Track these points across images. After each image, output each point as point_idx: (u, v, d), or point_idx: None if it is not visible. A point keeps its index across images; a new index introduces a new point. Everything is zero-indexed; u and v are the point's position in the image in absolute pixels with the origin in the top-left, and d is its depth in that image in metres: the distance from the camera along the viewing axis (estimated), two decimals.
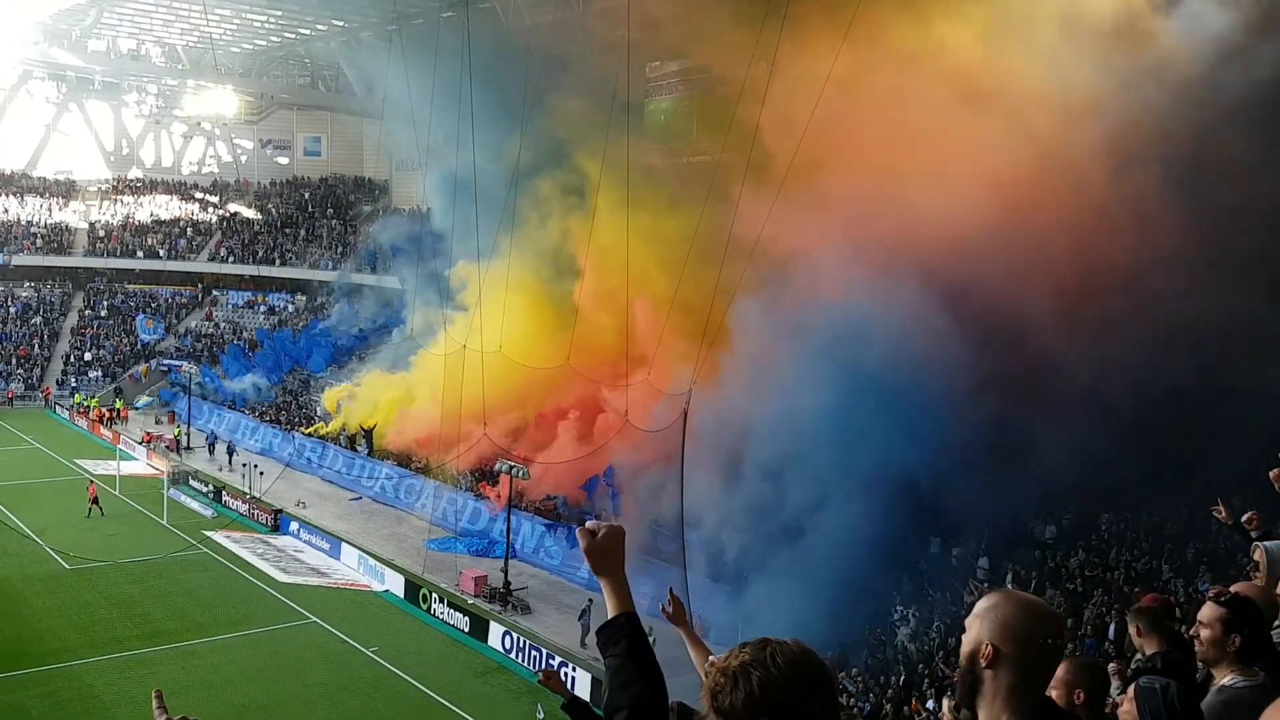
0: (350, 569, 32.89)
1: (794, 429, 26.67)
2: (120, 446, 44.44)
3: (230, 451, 45.32)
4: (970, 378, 24.05)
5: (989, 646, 2.24)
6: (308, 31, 59.28)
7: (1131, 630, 4.90)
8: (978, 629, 2.28)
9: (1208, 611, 3.72)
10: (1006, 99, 25.21)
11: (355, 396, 46.46)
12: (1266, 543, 5.08)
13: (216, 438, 47.79)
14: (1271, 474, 4.96)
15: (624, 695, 2.35)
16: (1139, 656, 4.71)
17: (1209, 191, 22.27)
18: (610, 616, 2.52)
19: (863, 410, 25.07)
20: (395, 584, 31.12)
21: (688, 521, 27.68)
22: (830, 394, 25.86)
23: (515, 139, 36.26)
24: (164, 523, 36.35)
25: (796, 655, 2.04)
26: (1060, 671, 3.79)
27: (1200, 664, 3.83)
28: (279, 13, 55.12)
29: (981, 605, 2.32)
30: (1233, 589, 4.15)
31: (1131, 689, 3.90)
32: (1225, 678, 3.62)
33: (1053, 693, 3.71)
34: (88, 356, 60.65)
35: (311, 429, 47.02)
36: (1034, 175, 24.39)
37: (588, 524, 2.62)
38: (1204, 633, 3.69)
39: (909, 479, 24.44)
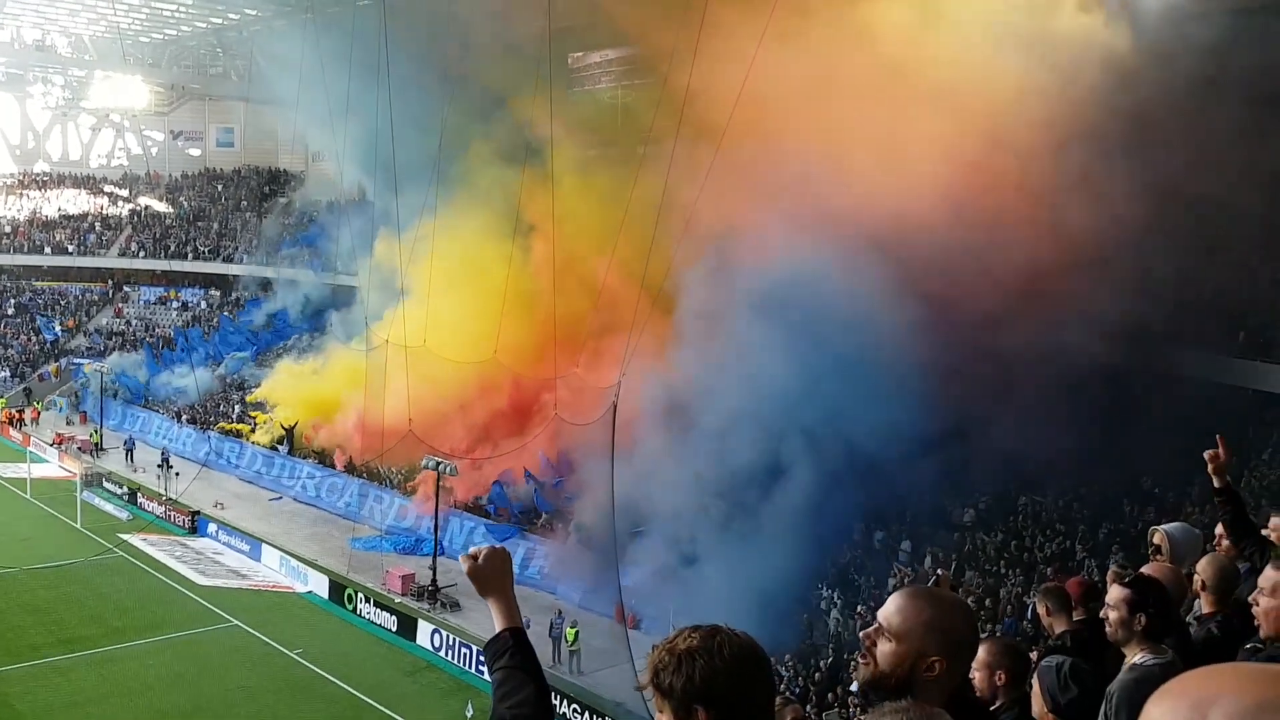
0: (272, 570, 32.28)
1: (732, 409, 26.79)
2: (30, 449, 43.10)
3: (165, 460, 41.05)
4: (904, 361, 24.39)
5: (939, 662, 2.26)
6: (219, 20, 57.95)
7: (1040, 610, 5.05)
8: (919, 642, 2.28)
9: (1113, 593, 3.85)
10: (938, 79, 25.55)
11: (318, 373, 45.24)
12: (1165, 526, 5.25)
13: (135, 442, 45.74)
14: (1206, 454, 5.11)
15: (506, 706, 2.39)
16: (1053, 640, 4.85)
17: (1150, 168, 22.71)
18: (496, 631, 2.54)
19: (802, 391, 25.32)
20: (319, 585, 30.62)
21: (628, 511, 27.70)
22: (772, 373, 26.07)
23: (436, 124, 35.85)
24: (78, 526, 35.31)
25: (743, 649, 2.06)
26: (982, 653, 3.88)
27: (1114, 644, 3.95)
28: (189, 1, 53.74)
29: (913, 615, 2.31)
30: (1142, 570, 4.29)
31: (1037, 673, 4.02)
32: (1135, 656, 3.75)
33: (975, 674, 3.81)
34: None
35: (231, 426, 45.91)
36: (970, 150, 24.69)
37: (470, 549, 2.64)
38: (1112, 614, 3.82)
39: (844, 461, 24.75)
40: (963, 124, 24.97)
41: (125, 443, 45.68)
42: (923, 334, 24.35)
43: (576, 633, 25.50)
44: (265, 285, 57.42)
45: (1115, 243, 23.15)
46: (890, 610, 2.35)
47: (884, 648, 2.33)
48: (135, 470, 42.76)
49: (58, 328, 60.41)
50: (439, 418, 36.42)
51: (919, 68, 25.91)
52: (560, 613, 26.30)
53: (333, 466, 40.02)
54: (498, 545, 2.71)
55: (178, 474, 39.88)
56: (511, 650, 2.46)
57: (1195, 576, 4.63)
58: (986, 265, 23.92)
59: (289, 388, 45.67)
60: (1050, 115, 24.12)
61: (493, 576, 2.61)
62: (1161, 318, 23.60)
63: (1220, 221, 23.39)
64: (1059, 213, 23.87)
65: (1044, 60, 24.67)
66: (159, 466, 40.87)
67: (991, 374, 24.11)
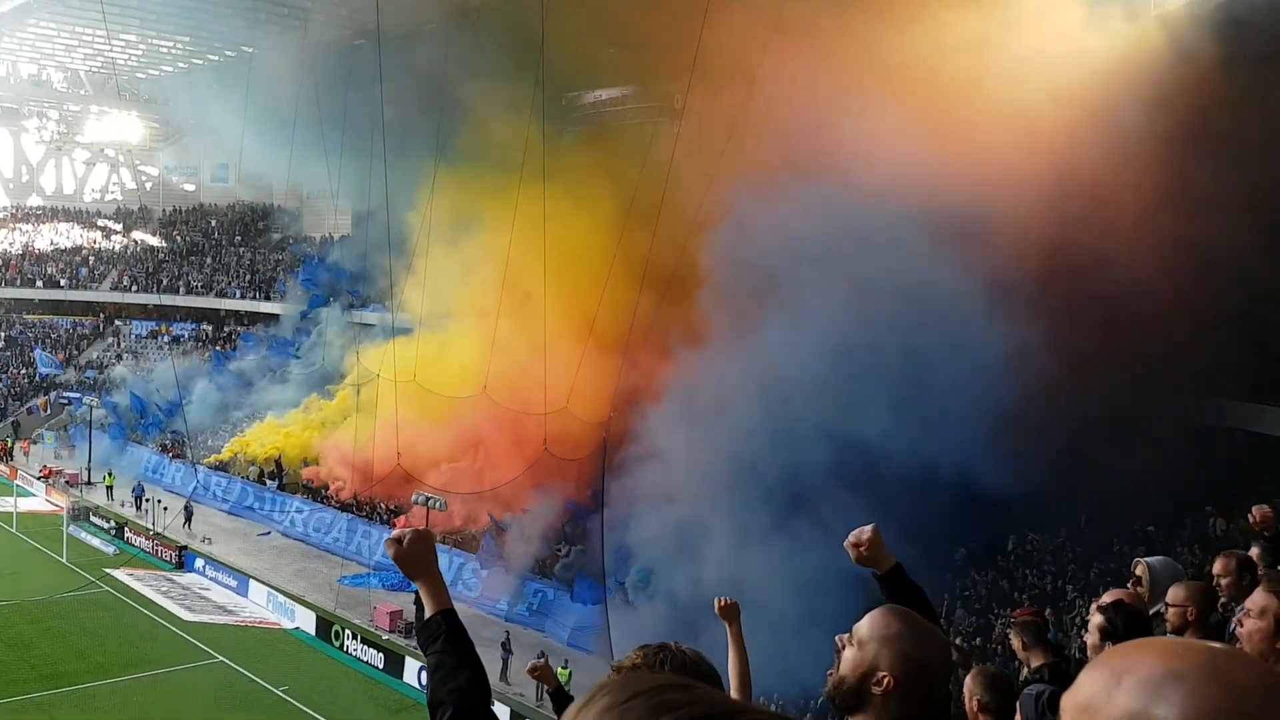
0: (259, 606, 32.04)
1: (743, 430, 26.51)
2: (17, 482, 42.83)
3: (188, 513, 39.00)
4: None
5: (889, 679, 2.25)
6: (216, 58, 58.30)
7: (1015, 644, 5.01)
8: (875, 653, 2.28)
9: (1092, 620, 3.86)
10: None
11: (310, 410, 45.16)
12: (1149, 559, 5.24)
13: (144, 488, 42.43)
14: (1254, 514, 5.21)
15: (445, 690, 2.37)
16: (1025, 672, 4.82)
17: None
18: (428, 615, 2.53)
19: (830, 416, 25.13)
20: (306, 621, 30.39)
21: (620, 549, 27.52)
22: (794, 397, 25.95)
23: (430, 159, 36.14)
24: (64, 560, 35.04)
25: (685, 663, 2.07)
26: (969, 682, 3.89)
27: None
28: (186, 39, 54.12)
29: (880, 627, 2.32)
30: (1111, 594, 4.29)
31: (1019, 702, 4.02)
32: None
33: (971, 700, 3.83)
34: None
35: (219, 459, 45.60)
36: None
37: (394, 533, 2.62)
38: (1088, 640, 3.83)
39: (861, 492, 24.55)
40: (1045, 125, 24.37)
41: (134, 490, 42.32)
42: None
43: (570, 674, 25.22)
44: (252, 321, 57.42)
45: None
46: (863, 620, 2.37)
47: (847, 654, 2.33)
48: (132, 513, 41.41)
49: (60, 363, 59.69)
50: (430, 452, 36.32)
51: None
52: (543, 653, 25.97)
53: (322, 501, 39.84)
54: (423, 529, 2.70)
55: (165, 508, 39.59)
56: (445, 634, 2.45)
57: (1170, 608, 4.59)
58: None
59: (276, 426, 45.55)
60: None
61: (419, 559, 2.58)
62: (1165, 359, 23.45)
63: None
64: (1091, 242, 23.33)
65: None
66: (184, 518, 38.98)
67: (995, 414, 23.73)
